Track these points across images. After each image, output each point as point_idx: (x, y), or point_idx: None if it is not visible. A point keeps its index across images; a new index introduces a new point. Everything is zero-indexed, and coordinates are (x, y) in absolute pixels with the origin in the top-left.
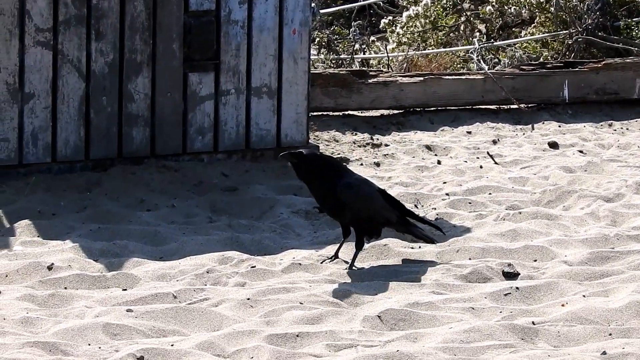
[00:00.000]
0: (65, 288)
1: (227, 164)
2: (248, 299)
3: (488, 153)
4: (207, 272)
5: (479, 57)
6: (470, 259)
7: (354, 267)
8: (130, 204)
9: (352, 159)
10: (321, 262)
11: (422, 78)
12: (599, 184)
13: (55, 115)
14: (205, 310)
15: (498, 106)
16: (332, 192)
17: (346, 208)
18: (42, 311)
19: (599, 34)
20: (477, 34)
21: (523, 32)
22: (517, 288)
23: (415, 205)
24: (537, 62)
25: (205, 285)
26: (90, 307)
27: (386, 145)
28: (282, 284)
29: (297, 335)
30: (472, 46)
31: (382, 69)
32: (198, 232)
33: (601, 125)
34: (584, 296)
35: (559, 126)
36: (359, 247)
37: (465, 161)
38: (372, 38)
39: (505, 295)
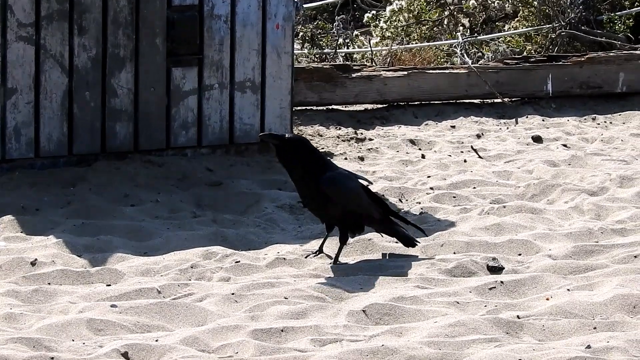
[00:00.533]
0: (49, 284)
1: (211, 159)
2: (232, 293)
3: (472, 147)
4: (192, 267)
5: (463, 51)
6: (454, 253)
7: (338, 262)
8: (114, 199)
9: (336, 153)
10: (305, 257)
11: (406, 72)
12: (582, 178)
13: (38, 111)
14: (190, 305)
15: (482, 100)
16: (315, 184)
17: (330, 202)
18: (25, 307)
19: (582, 28)
20: (461, 28)
21: (507, 26)
22: (501, 282)
23: (400, 199)
24: (520, 56)
25: (190, 280)
26: (74, 303)
27: (370, 139)
28: (266, 278)
29: (282, 330)
30: (455, 40)
31: (365, 63)
32: (182, 227)
33: (585, 119)
34: (568, 290)
35: (543, 120)
36: (343, 242)
37: (450, 155)
38: (355, 32)
39: (490, 289)
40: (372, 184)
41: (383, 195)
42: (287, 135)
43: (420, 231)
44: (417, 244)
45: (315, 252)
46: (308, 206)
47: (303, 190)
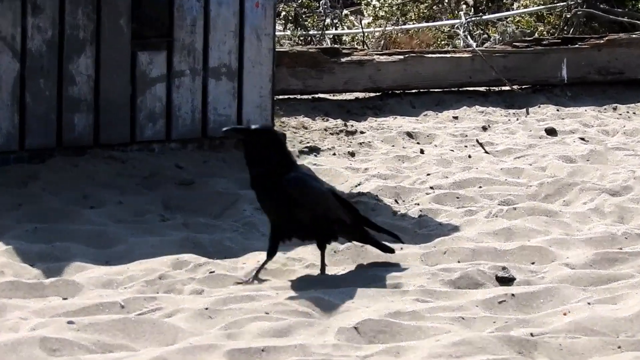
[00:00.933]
0: None
1: (181, 155)
2: (206, 308)
3: (477, 141)
4: (160, 278)
5: (466, 32)
6: (459, 261)
7: (326, 270)
8: (72, 200)
9: (323, 148)
10: (236, 284)
11: (402, 57)
12: (603, 176)
13: None
14: (157, 321)
15: (488, 88)
16: (279, 185)
17: (297, 206)
18: None
19: (601, 6)
20: (464, 6)
21: (515, 5)
22: (512, 295)
23: (396, 200)
24: (531, 38)
25: (158, 293)
26: (25, 319)
27: (362, 132)
28: (245, 291)
29: (263, 350)
30: (458, 20)
31: (356, 46)
32: (149, 232)
33: (605, 108)
34: (588, 303)
35: (557, 110)
36: (322, 248)
37: (452, 150)
38: (345, 12)
39: (500, 303)
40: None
41: (377, 195)
42: (253, 127)
43: (395, 239)
44: (394, 251)
45: (248, 280)
46: (269, 213)
47: (263, 193)
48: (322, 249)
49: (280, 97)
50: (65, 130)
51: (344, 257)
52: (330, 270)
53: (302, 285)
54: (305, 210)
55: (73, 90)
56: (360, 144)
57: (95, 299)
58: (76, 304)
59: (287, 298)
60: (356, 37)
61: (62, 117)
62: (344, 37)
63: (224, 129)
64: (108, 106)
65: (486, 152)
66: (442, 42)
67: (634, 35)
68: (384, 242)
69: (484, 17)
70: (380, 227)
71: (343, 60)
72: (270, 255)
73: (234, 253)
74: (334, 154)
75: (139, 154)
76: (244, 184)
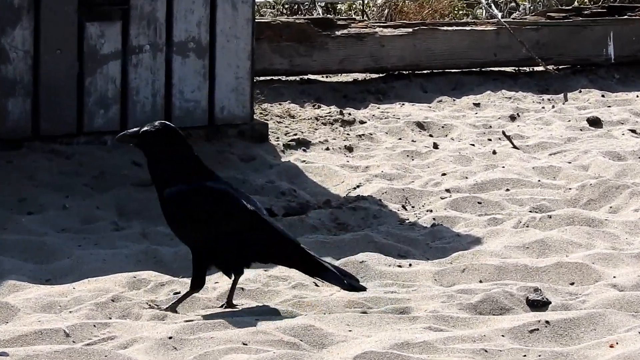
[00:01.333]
0: None
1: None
2: (170, 337)
3: (504, 133)
4: (113, 301)
5: (490, 0)
6: (480, 281)
7: (232, 302)
8: (5, 204)
9: (314, 141)
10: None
11: (410, 29)
12: None
13: None
14: (110, 353)
15: (517, 68)
16: (161, 201)
17: (173, 224)
18: None
19: None
20: None
21: None
22: (547, 322)
23: (404, 206)
24: (570, 7)
25: (110, 318)
26: None
27: (362, 122)
28: (218, 317)
29: None
30: None
31: (354, 16)
32: (100, 244)
33: None
34: None
35: (603, 96)
36: (235, 276)
37: (472, 144)
38: None
39: (531, 332)
40: (276, 215)
41: (380, 199)
42: (143, 129)
43: (354, 284)
44: (363, 288)
45: (163, 308)
46: (176, 234)
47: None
48: (235, 276)
49: (262, 78)
50: None
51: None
52: (324, 291)
53: (287, 310)
54: (186, 232)
55: (7, 70)
56: (360, 136)
57: (34, 326)
58: (10, 332)
59: (270, 326)
60: (354, 6)
61: None
62: (339, 6)
63: (117, 136)
64: (50, 89)
65: (514, 146)
66: (460, 12)
67: None
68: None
69: None
70: (324, 265)
71: (338, 33)
72: (194, 288)
73: None
74: (328, 149)
75: (88, 147)
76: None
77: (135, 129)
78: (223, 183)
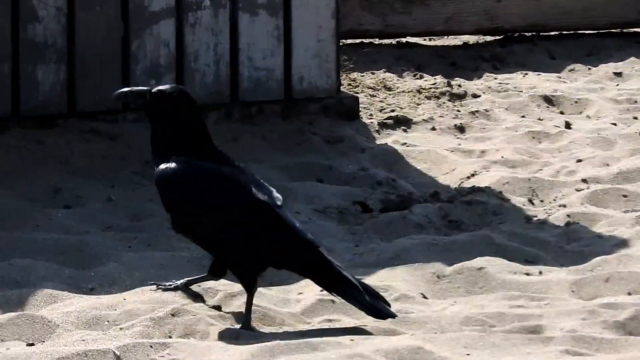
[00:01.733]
0: None
1: None
2: None
3: None
4: (173, 315)
5: None
6: (629, 293)
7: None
8: (37, 195)
9: (416, 119)
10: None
11: None
12: None
13: None
14: None
15: None
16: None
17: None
18: None
19: None
20: None
21: None
22: None
23: (530, 200)
24: None
25: (170, 337)
26: None
27: (475, 95)
28: (302, 335)
29: None
30: None
31: None
32: (154, 245)
33: None
34: None
35: None
36: (248, 290)
37: (614, 124)
38: None
39: None
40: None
41: (501, 192)
42: (156, 88)
43: (384, 303)
44: (393, 315)
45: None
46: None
47: None
48: (246, 289)
49: (349, 41)
50: (24, 91)
51: (452, 286)
52: (434, 305)
53: (389, 328)
54: (175, 216)
55: (35, 31)
56: (473, 113)
57: (77, 346)
58: (47, 353)
59: (368, 347)
60: None
61: (20, 70)
62: None
63: (117, 92)
64: (87, 56)
65: None
66: None
67: None
68: (363, 299)
69: None
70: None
71: None
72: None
73: (284, 277)
74: (434, 129)
75: (136, 126)
76: (295, 171)
77: (141, 88)
78: (234, 167)
